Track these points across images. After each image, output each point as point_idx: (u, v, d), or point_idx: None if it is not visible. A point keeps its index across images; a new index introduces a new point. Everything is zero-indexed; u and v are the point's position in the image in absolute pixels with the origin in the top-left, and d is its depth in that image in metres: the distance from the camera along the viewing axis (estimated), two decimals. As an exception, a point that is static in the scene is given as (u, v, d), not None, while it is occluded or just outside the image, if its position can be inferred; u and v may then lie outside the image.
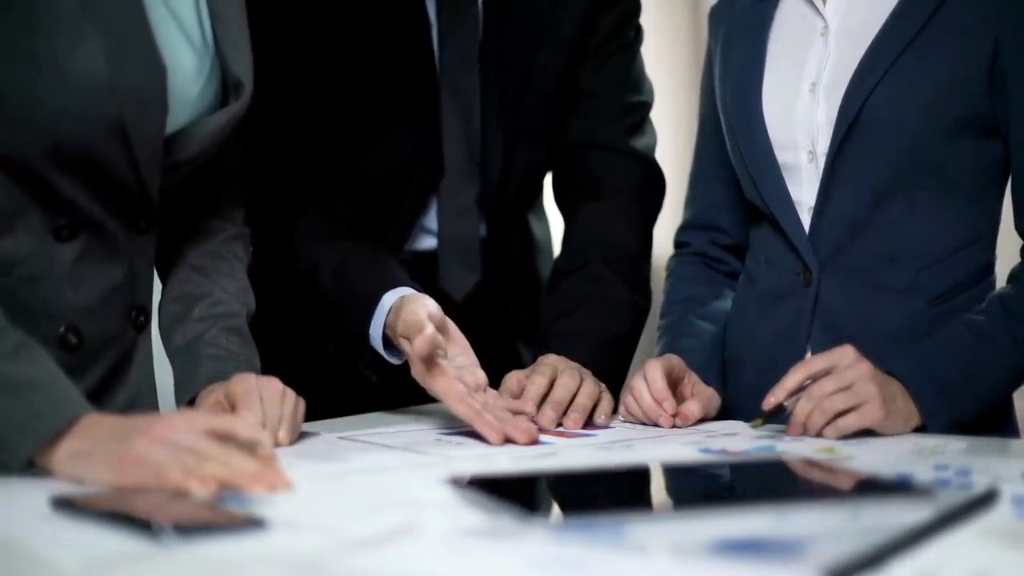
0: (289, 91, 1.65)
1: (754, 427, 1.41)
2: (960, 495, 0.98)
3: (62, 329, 1.29)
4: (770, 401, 1.37)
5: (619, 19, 1.76)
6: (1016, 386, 1.48)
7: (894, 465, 1.16)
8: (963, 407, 1.40)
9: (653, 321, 1.73)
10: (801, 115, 1.51)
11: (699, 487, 1.10)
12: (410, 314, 1.45)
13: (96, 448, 1.08)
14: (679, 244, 1.76)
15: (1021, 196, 1.48)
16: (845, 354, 1.36)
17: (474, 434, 1.40)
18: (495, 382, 1.55)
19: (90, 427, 1.10)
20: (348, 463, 1.24)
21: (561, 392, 1.48)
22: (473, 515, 0.96)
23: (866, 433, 1.35)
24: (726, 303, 1.67)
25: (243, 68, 1.38)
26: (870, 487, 1.05)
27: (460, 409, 1.39)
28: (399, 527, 0.91)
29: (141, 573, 0.82)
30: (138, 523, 0.90)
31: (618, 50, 1.77)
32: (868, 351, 1.37)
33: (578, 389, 1.49)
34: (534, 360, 1.60)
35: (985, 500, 0.97)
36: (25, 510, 0.99)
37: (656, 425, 1.47)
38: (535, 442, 1.35)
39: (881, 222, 1.48)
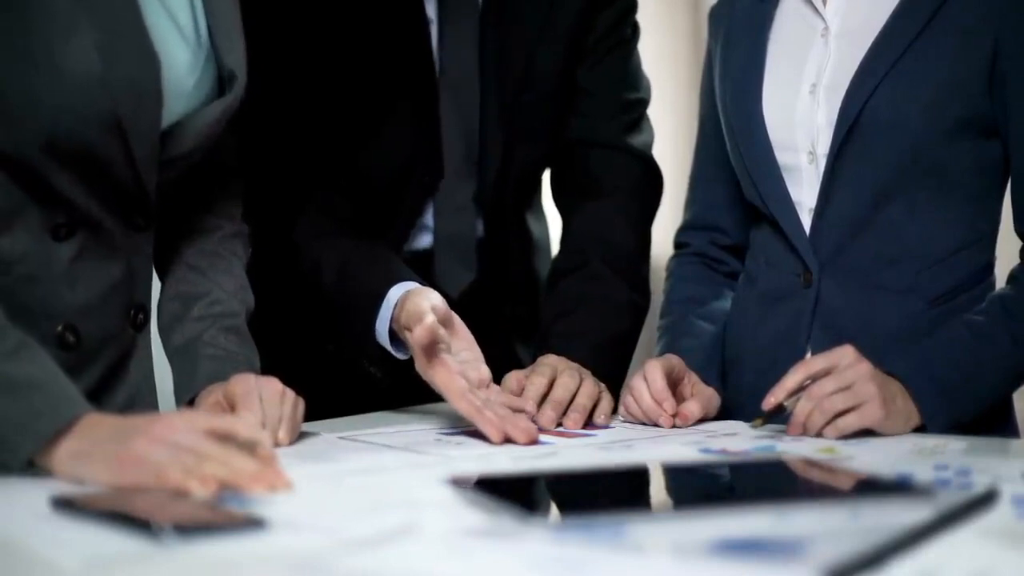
0: (288, 90, 1.65)
1: (754, 427, 1.41)
2: (960, 495, 0.98)
3: (60, 328, 1.29)
4: (770, 401, 1.37)
5: (616, 16, 1.77)
6: (1016, 386, 1.48)
7: (894, 465, 1.16)
8: (963, 407, 1.40)
9: (653, 321, 1.73)
10: (801, 116, 1.51)
11: (699, 487, 1.10)
12: (413, 305, 1.44)
13: (96, 448, 1.08)
14: (679, 245, 1.76)
15: (1021, 197, 1.48)
16: (845, 354, 1.36)
17: (474, 434, 1.40)
18: (494, 381, 1.55)
19: (90, 427, 1.10)
20: (348, 463, 1.24)
21: (561, 392, 1.48)
22: (473, 515, 0.96)
23: (866, 433, 1.35)
24: (726, 303, 1.67)
25: (237, 60, 1.38)
26: (870, 487, 1.05)
27: (461, 405, 1.39)
28: (399, 527, 0.92)
29: (141, 573, 0.82)
30: (138, 523, 0.90)
31: (615, 47, 1.77)
32: (868, 352, 1.37)
33: (578, 389, 1.49)
34: (533, 360, 1.59)
35: (985, 500, 0.97)
36: (25, 510, 0.99)
37: (656, 425, 1.47)
38: (535, 442, 1.35)
39: (881, 223, 1.48)
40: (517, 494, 1.01)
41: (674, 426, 1.47)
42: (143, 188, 1.31)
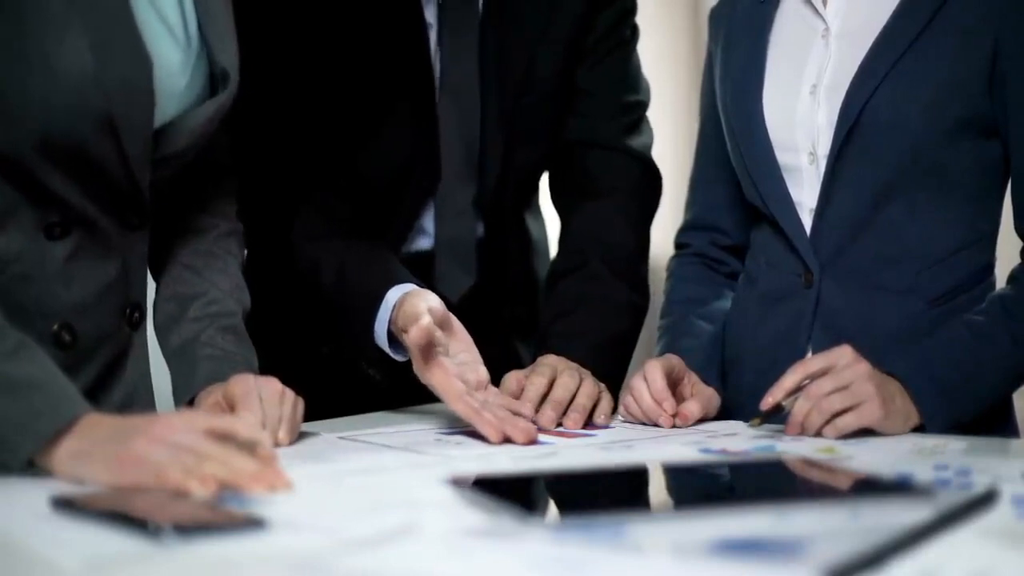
0: (288, 93, 1.65)
1: (752, 427, 1.41)
2: (960, 495, 0.98)
3: (56, 327, 1.29)
4: (768, 401, 1.37)
5: (616, 17, 1.76)
6: (1016, 386, 1.48)
7: (894, 465, 1.16)
8: (963, 407, 1.40)
9: (653, 321, 1.73)
10: (802, 117, 1.51)
11: (699, 487, 1.10)
12: (410, 307, 1.45)
13: (96, 448, 1.08)
14: (679, 245, 1.76)
15: (1021, 197, 1.48)
16: (843, 354, 1.36)
17: (474, 434, 1.40)
18: (494, 382, 1.55)
19: (90, 427, 1.10)
20: (348, 463, 1.24)
21: (561, 392, 1.48)
22: (473, 515, 0.96)
23: (866, 433, 1.35)
24: (726, 304, 1.67)
25: (229, 59, 1.38)
26: (870, 487, 1.05)
27: (458, 407, 1.39)
28: (399, 527, 0.91)
29: (141, 573, 0.82)
30: (138, 523, 0.90)
31: (615, 48, 1.77)
32: (869, 352, 1.37)
33: (578, 389, 1.49)
34: (533, 360, 1.59)
35: (985, 500, 0.97)
36: (25, 510, 0.99)
37: (656, 425, 1.47)
38: (534, 442, 1.35)
39: (881, 223, 1.48)
40: (517, 494, 1.01)
41: (674, 426, 1.47)
42: (137, 187, 1.31)
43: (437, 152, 1.68)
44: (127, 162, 1.29)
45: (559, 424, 1.47)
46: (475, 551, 0.86)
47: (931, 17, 1.44)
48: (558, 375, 1.50)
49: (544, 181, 1.88)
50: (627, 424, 1.51)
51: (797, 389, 1.37)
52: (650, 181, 1.81)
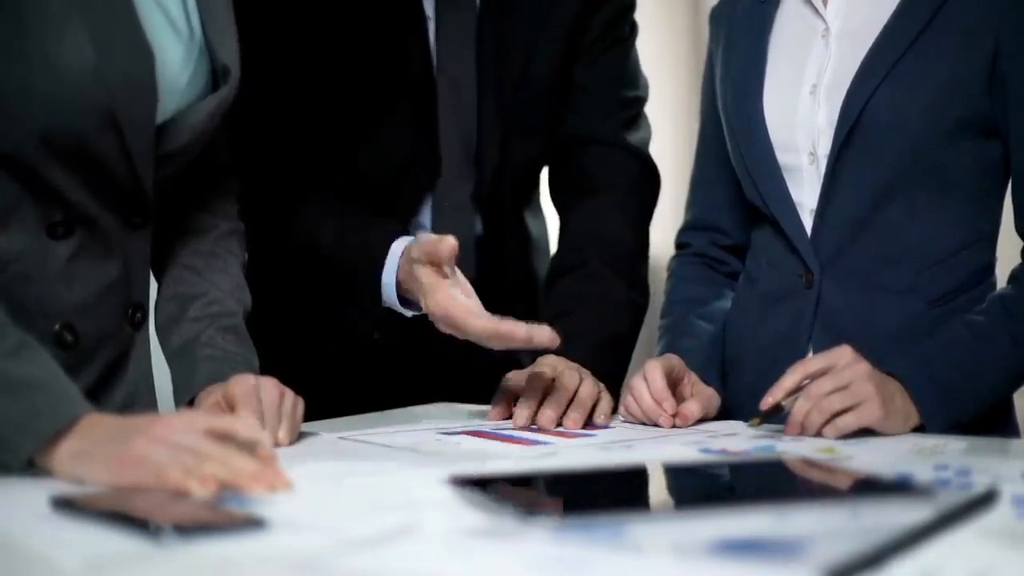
0: (284, 87, 1.65)
1: (752, 427, 1.41)
2: (960, 495, 0.98)
3: (57, 327, 1.29)
4: (768, 401, 1.37)
5: (615, 14, 1.77)
6: (1016, 386, 1.48)
7: (894, 465, 1.16)
8: (963, 407, 1.40)
9: (653, 321, 1.73)
10: (802, 117, 1.51)
11: (699, 487, 1.10)
12: (428, 237, 1.45)
13: (96, 448, 1.08)
14: (680, 245, 1.76)
15: (1021, 197, 1.48)
16: (843, 354, 1.36)
17: (474, 434, 1.40)
18: (492, 381, 1.55)
19: (90, 427, 1.10)
20: (348, 463, 1.24)
21: (560, 392, 1.48)
22: (473, 515, 0.96)
23: (866, 433, 1.35)
24: (727, 303, 1.67)
25: (229, 55, 1.38)
26: (870, 487, 1.05)
27: (478, 324, 1.39)
28: (399, 527, 0.91)
29: (141, 573, 0.82)
30: (138, 523, 0.90)
31: (613, 45, 1.77)
32: (869, 352, 1.37)
33: (577, 389, 1.49)
34: (531, 360, 1.59)
35: (985, 500, 0.97)
36: (25, 510, 0.99)
37: (656, 425, 1.47)
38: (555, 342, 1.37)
39: (882, 223, 1.49)
40: (517, 494, 1.01)
41: (674, 426, 1.47)
42: (140, 185, 1.31)
43: (437, 147, 1.68)
44: (130, 158, 1.29)
45: (559, 424, 1.47)
46: (475, 551, 0.86)
47: (931, 17, 1.44)
48: (558, 375, 1.50)
49: (544, 179, 1.88)
50: (627, 424, 1.51)
51: (797, 389, 1.37)
52: (648, 177, 1.81)
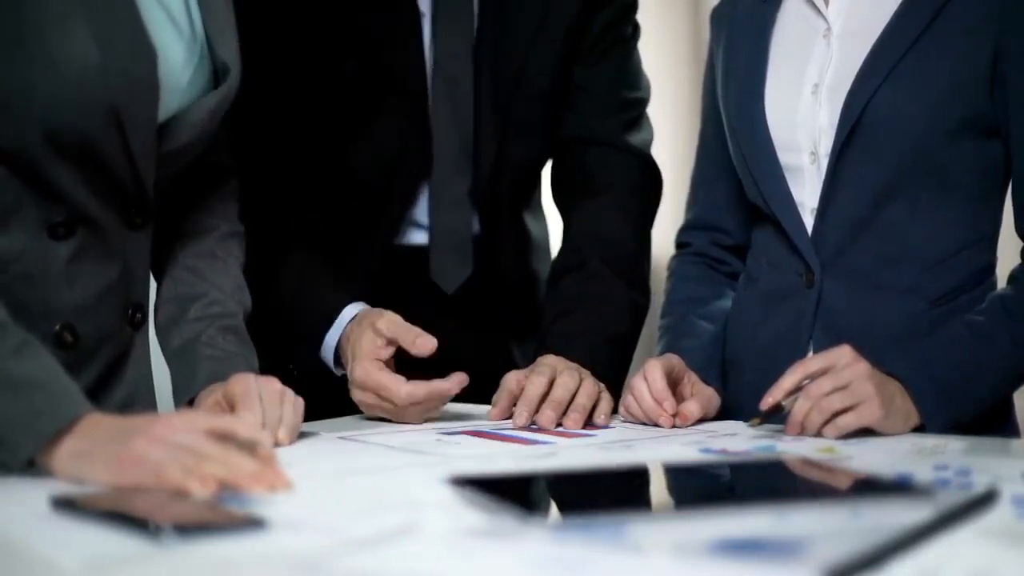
0: (278, 82, 1.65)
1: (751, 426, 1.41)
2: (960, 495, 0.98)
3: (58, 327, 1.29)
4: (768, 401, 1.37)
5: (616, 14, 1.76)
6: (1016, 387, 1.48)
7: (894, 465, 1.16)
8: (963, 407, 1.40)
9: (653, 320, 1.73)
10: (803, 117, 1.51)
11: (699, 487, 1.10)
12: (408, 327, 1.49)
13: (96, 448, 1.08)
14: (680, 244, 1.76)
15: (1021, 198, 1.48)
16: (843, 354, 1.36)
17: (474, 434, 1.40)
18: (487, 381, 1.55)
19: (91, 427, 1.10)
20: (348, 463, 1.24)
21: (560, 392, 1.48)
22: (473, 515, 0.96)
23: (866, 433, 1.35)
24: (727, 303, 1.67)
25: (230, 53, 1.38)
26: (870, 487, 1.05)
27: (403, 389, 1.46)
28: (399, 527, 0.91)
29: (141, 573, 0.82)
30: (138, 523, 0.90)
31: (614, 46, 1.77)
32: (869, 352, 1.37)
33: (577, 389, 1.49)
34: (528, 360, 1.59)
35: (985, 500, 0.97)
36: (25, 510, 0.99)
37: (656, 425, 1.47)
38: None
39: (883, 223, 1.48)
40: (517, 494, 1.01)
41: (674, 426, 1.46)
42: (141, 184, 1.31)
43: (429, 141, 1.68)
44: (132, 157, 1.29)
45: (559, 424, 1.46)
46: (475, 551, 0.86)
47: (933, 17, 1.44)
48: (558, 375, 1.50)
49: (546, 180, 1.88)
50: (627, 424, 1.51)
51: (797, 389, 1.37)
52: (650, 178, 1.81)
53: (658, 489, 1.09)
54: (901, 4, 1.47)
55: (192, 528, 0.89)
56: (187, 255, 1.46)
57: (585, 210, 1.76)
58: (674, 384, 1.50)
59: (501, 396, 1.52)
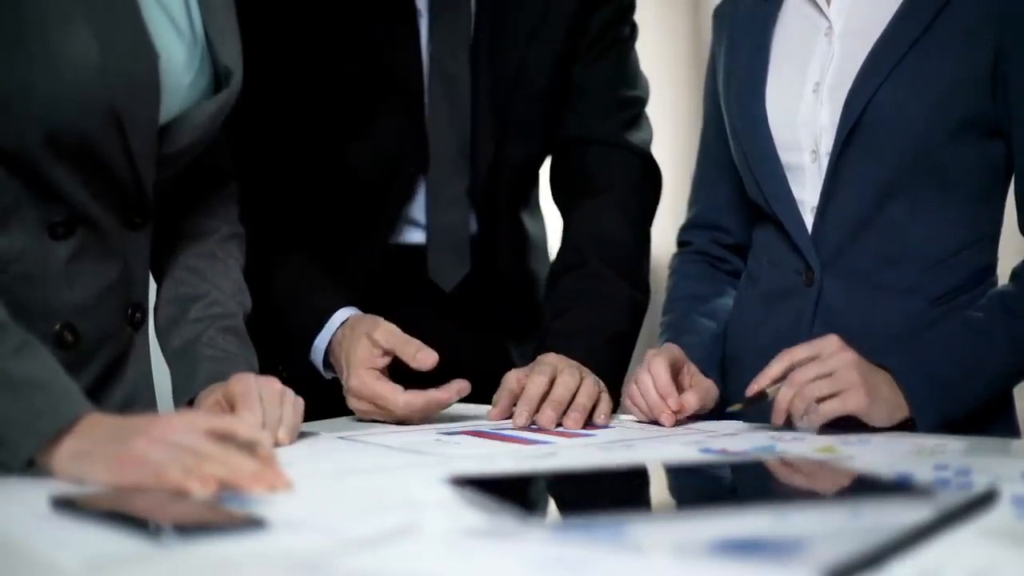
0: (274, 80, 1.65)
1: (732, 412, 1.42)
2: (960, 495, 0.98)
3: (58, 327, 1.29)
4: (752, 388, 1.39)
5: (612, 15, 1.77)
6: (1012, 384, 1.48)
7: (894, 465, 1.16)
8: (954, 403, 1.40)
9: (654, 318, 1.73)
10: (804, 115, 1.51)
11: (699, 487, 1.10)
12: (409, 340, 1.49)
13: (96, 448, 1.08)
14: (682, 243, 1.77)
15: (1022, 196, 1.48)
16: (829, 342, 1.37)
17: (474, 434, 1.40)
18: (485, 380, 1.55)
19: (91, 427, 1.10)
20: (348, 463, 1.24)
21: (561, 391, 1.48)
22: (473, 515, 0.96)
23: (866, 432, 1.35)
24: (728, 301, 1.67)
25: (232, 57, 1.38)
26: (870, 487, 1.05)
27: (401, 399, 1.46)
28: (399, 527, 0.91)
29: (141, 573, 0.82)
30: (138, 523, 0.90)
31: (612, 46, 1.77)
32: (869, 351, 1.37)
33: (578, 388, 1.49)
34: (526, 360, 1.59)
35: (985, 500, 0.97)
36: (25, 510, 0.99)
37: (656, 422, 1.47)
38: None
39: (883, 222, 1.49)
40: (517, 494, 1.01)
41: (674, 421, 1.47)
42: (141, 185, 1.32)
43: (425, 140, 1.68)
44: (132, 158, 1.29)
45: (559, 424, 1.46)
46: (475, 551, 0.86)
47: (934, 17, 1.44)
48: (558, 374, 1.50)
49: (545, 180, 1.88)
50: (627, 420, 1.51)
51: (783, 377, 1.37)
52: (650, 177, 1.81)
53: (658, 489, 1.09)
54: (902, 3, 1.47)
55: (192, 528, 0.89)
56: (188, 256, 1.46)
57: (585, 210, 1.76)
58: (674, 374, 1.50)
59: (502, 395, 1.52)
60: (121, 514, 0.93)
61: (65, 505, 0.97)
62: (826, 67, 1.51)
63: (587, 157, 1.77)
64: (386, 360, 1.50)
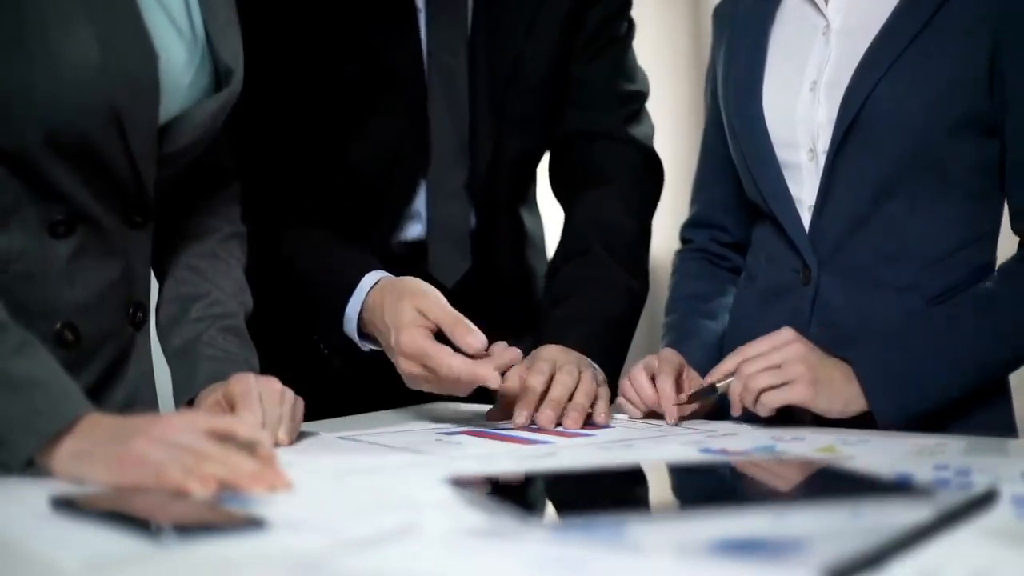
0: (274, 77, 1.65)
1: (680, 403, 1.46)
2: (960, 495, 0.98)
3: (59, 326, 1.29)
4: (706, 382, 1.43)
5: (611, 9, 1.77)
6: (986, 381, 1.46)
7: (894, 465, 1.16)
8: (916, 397, 1.39)
9: (656, 315, 1.74)
10: (801, 114, 1.52)
11: (699, 487, 1.10)
12: (440, 303, 1.46)
13: (96, 448, 1.08)
14: (683, 240, 1.78)
15: (1016, 194, 1.48)
16: (781, 336, 1.39)
17: (474, 434, 1.40)
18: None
19: (91, 427, 1.10)
20: (348, 463, 1.24)
21: (559, 391, 1.48)
22: (473, 515, 0.96)
23: (866, 432, 1.35)
24: (729, 299, 1.68)
25: (232, 56, 1.38)
26: (870, 487, 1.05)
27: (454, 362, 1.41)
28: (399, 527, 0.92)
29: (141, 573, 0.82)
30: (138, 523, 0.90)
31: (610, 43, 1.78)
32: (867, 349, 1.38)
33: (576, 386, 1.49)
34: (525, 354, 1.59)
35: (985, 500, 0.97)
36: (25, 510, 0.99)
37: (653, 415, 1.47)
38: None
39: (881, 220, 1.49)
40: (517, 494, 1.01)
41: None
42: (141, 184, 1.32)
43: (427, 136, 1.69)
44: (132, 158, 1.29)
45: (558, 423, 1.46)
46: (475, 551, 0.86)
47: (932, 15, 1.44)
48: (557, 371, 1.50)
49: (544, 176, 1.88)
50: (627, 423, 1.51)
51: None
52: (652, 170, 1.82)
53: (658, 489, 1.09)
54: (900, 1, 1.47)
55: (192, 528, 0.89)
56: (189, 255, 1.46)
57: (588, 199, 1.77)
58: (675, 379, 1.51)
59: (501, 396, 1.52)
60: (121, 514, 0.93)
61: (65, 505, 0.97)
62: (823, 65, 1.51)
63: (590, 150, 1.78)
64: (432, 326, 1.46)
